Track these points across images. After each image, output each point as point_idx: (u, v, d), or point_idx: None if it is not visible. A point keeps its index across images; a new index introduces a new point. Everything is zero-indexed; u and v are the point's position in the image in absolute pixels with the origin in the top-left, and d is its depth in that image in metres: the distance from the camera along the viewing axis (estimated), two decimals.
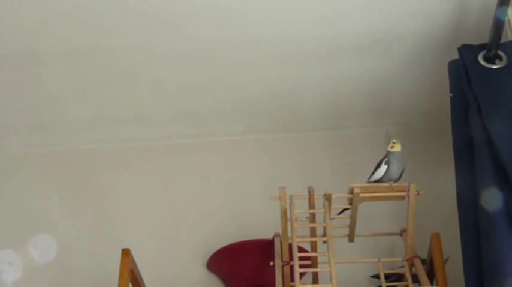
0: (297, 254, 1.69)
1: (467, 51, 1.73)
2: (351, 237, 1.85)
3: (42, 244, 2.11)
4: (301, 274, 1.69)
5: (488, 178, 1.55)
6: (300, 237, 1.75)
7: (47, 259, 2.09)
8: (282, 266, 1.81)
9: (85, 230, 2.15)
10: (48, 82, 2.06)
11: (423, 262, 1.81)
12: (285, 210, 1.77)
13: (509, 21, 1.74)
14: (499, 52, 1.70)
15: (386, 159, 1.79)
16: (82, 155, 2.26)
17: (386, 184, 1.78)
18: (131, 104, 2.16)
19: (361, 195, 1.76)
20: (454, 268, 1.75)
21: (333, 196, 1.76)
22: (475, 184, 1.60)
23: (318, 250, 1.80)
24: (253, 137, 2.25)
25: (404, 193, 1.77)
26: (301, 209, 1.77)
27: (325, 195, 1.76)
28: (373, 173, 1.81)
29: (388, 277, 1.82)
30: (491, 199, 1.52)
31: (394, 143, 1.80)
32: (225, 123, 2.25)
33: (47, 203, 2.20)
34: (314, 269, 1.78)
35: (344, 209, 1.81)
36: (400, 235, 1.86)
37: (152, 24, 1.88)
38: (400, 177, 1.79)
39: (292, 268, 1.73)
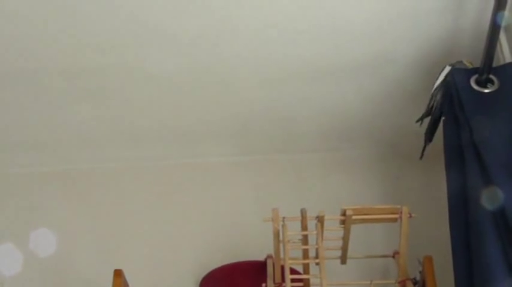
0: (289, 276, 1.69)
1: (460, 75, 1.74)
2: (343, 259, 1.84)
3: (35, 263, 2.11)
4: None
5: (482, 203, 1.56)
6: (292, 259, 1.75)
7: (40, 278, 2.09)
8: None
9: (77, 250, 2.14)
10: (44, 101, 2.07)
11: (414, 281, 1.81)
12: (278, 232, 1.77)
13: (500, 45, 1.75)
14: (491, 76, 1.70)
15: (450, 63, 1.78)
16: (75, 175, 2.26)
17: (380, 206, 1.79)
18: (125, 124, 2.16)
19: (354, 217, 1.76)
20: None
21: (326, 217, 1.76)
22: (467, 206, 1.61)
23: (311, 272, 1.80)
24: (246, 157, 2.26)
25: (396, 216, 1.77)
26: (293, 231, 1.77)
27: (317, 217, 1.77)
28: (437, 78, 1.80)
29: None
30: (483, 222, 1.53)
31: (470, 62, 1.78)
32: (219, 143, 2.25)
33: (39, 223, 2.19)
34: None
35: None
36: (393, 257, 1.86)
37: (147, 44, 1.89)
38: None
39: None
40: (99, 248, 2.14)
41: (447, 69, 1.77)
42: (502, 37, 1.75)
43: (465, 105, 1.68)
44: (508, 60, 1.75)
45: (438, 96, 1.79)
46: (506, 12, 1.66)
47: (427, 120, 1.85)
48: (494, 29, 1.67)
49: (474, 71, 1.73)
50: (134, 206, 2.21)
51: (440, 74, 1.79)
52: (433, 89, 1.80)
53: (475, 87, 1.71)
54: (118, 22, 1.82)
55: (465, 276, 1.57)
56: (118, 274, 1.79)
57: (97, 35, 1.86)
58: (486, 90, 1.70)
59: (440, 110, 1.80)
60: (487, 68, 1.70)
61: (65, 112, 2.11)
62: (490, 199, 1.53)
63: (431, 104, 1.81)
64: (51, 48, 1.89)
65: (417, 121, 1.85)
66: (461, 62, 1.78)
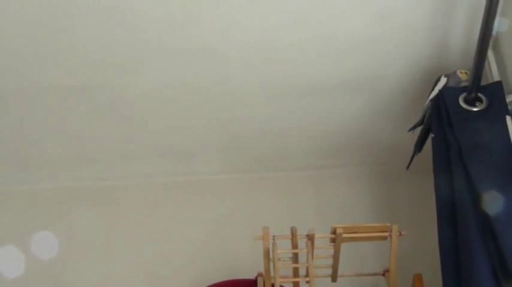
0: None
1: (449, 93, 1.75)
2: (333, 277, 1.84)
3: (26, 280, 2.10)
4: None
5: (471, 220, 1.56)
6: (282, 277, 1.75)
7: None
8: None
9: (69, 269, 2.13)
10: (32, 120, 2.07)
11: None
12: (268, 250, 1.77)
13: (489, 64, 1.76)
14: (479, 95, 1.71)
15: (446, 73, 1.78)
16: (66, 192, 2.26)
17: (370, 225, 1.79)
18: (117, 142, 2.16)
19: (344, 235, 1.76)
20: None
21: (316, 236, 1.76)
22: (455, 220, 1.61)
23: None
24: (237, 175, 2.26)
25: (386, 234, 1.77)
26: (284, 249, 1.77)
27: (307, 235, 1.76)
28: (433, 88, 1.79)
29: None
30: (471, 234, 1.54)
31: (465, 72, 1.78)
32: (210, 161, 2.25)
33: (30, 240, 2.18)
34: None
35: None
36: (383, 275, 1.86)
37: (137, 63, 1.89)
38: None
39: None
40: (91, 268, 2.13)
41: (443, 80, 1.78)
42: (491, 56, 1.76)
43: (454, 123, 1.69)
44: (496, 78, 1.76)
45: (431, 108, 1.80)
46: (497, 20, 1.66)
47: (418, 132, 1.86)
48: (483, 47, 1.68)
49: (463, 89, 1.74)
50: (124, 222, 2.20)
51: (436, 84, 1.80)
52: (428, 99, 1.80)
53: (464, 105, 1.71)
54: (114, 40, 1.84)
55: None
56: None
57: (86, 54, 1.86)
58: (474, 109, 1.71)
59: (430, 121, 1.80)
60: (475, 87, 1.71)
61: (61, 129, 2.11)
62: (477, 213, 1.54)
63: (425, 114, 1.81)
64: (47, 66, 1.90)
65: (409, 130, 1.86)
66: (455, 72, 1.79)
